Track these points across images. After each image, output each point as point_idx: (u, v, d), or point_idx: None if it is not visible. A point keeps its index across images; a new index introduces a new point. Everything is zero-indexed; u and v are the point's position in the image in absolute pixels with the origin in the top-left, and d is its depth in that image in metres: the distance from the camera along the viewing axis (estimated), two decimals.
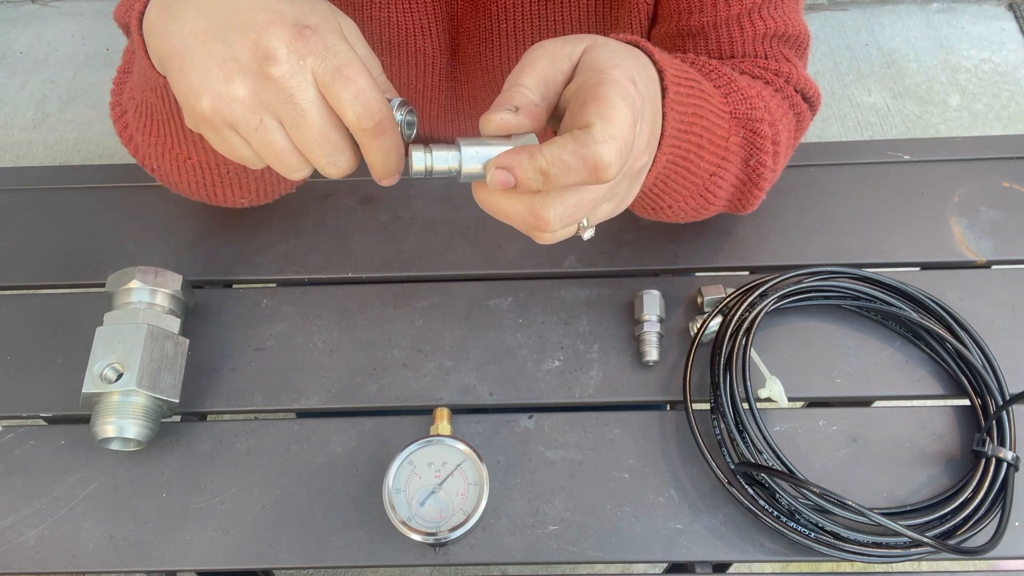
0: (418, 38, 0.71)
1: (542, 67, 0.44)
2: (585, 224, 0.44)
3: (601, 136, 0.38)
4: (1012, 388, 0.62)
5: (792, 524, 0.57)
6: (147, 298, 0.63)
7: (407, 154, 0.44)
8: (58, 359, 0.67)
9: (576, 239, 0.72)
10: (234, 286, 0.72)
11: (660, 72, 0.48)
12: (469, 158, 0.42)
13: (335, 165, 0.45)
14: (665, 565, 0.65)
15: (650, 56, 0.48)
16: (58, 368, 0.67)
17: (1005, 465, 0.58)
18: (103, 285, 0.65)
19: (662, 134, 0.48)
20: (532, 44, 0.73)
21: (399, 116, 0.45)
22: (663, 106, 0.47)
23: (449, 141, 0.43)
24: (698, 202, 0.59)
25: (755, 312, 0.64)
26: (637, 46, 0.48)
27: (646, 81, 0.44)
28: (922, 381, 0.65)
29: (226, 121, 0.44)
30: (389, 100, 0.45)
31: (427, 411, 0.63)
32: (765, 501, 0.58)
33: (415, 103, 0.78)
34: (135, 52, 0.51)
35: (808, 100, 0.65)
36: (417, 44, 0.71)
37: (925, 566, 0.60)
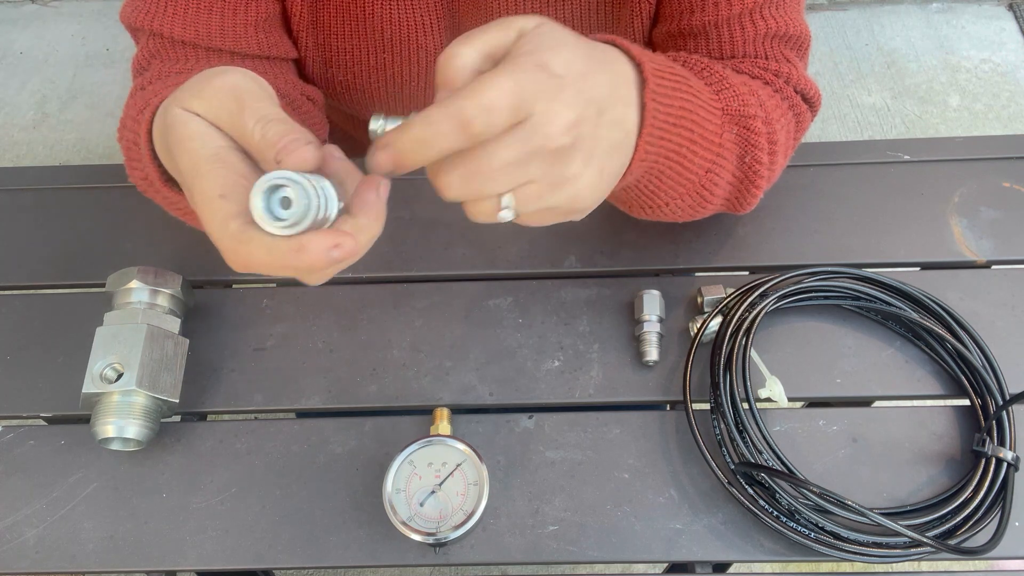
0: (419, 35, 0.71)
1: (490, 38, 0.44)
2: (506, 203, 0.43)
3: (466, 93, 0.38)
4: (1012, 388, 0.62)
5: (792, 524, 0.57)
6: (147, 298, 0.63)
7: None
8: (58, 359, 0.67)
9: (575, 238, 0.72)
10: (234, 286, 0.72)
11: (638, 65, 0.47)
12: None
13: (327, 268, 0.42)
14: (665, 565, 0.65)
15: (627, 52, 0.48)
16: (58, 368, 0.67)
17: (1005, 465, 0.58)
18: (103, 285, 0.65)
19: (643, 125, 0.47)
20: None
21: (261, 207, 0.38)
22: (644, 98, 0.47)
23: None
24: (695, 200, 0.58)
25: (755, 312, 0.64)
26: (615, 44, 0.48)
27: (586, 69, 0.43)
28: (922, 381, 0.65)
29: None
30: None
31: (427, 411, 0.63)
32: (765, 501, 0.58)
33: (415, 100, 0.78)
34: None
35: (808, 101, 0.65)
36: (418, 41, 0.71)
37: (925, 566, 0.60)
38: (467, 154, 0.40)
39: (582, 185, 0.44)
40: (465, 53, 0.42)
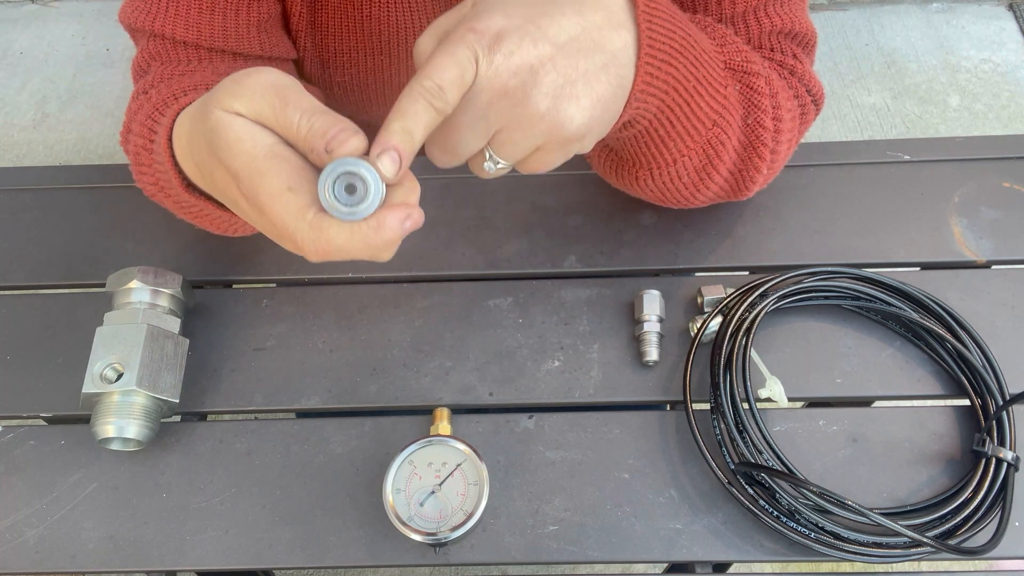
0: (416, 37, 0.71)
1: (443, 23, 0.46)
2: (487, 156, 0.46)
3: (418, 78, 0.41)
4: (1012, 388, 0.62)
5: (792, 524, 0.57)
6: (147, 298, 0.63)
7: None
8: (58, 359, 0.67)
9: (575, 238, 0.72)
10: (234, 286, 0.72)
11: None
12: None
13: (373, 258, 0.44)
14: (665, 565, 0.65)
15: None
16: (58, 368, 0.67)
17: (1005, 465, 0.58)
18: (103, 285, 0.65)
19: (640, 47, 0.47)
20: None
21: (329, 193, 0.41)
22: (636, 20, 0.47)
23: None
24: (701, 160, 0.57)
25: (755, 312, 0.64)
26: None
27: (534, 13, 0.44)
28: (922, 381, 0.65)
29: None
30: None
31: (427, 411, 0.63)
32: (765, 501, 0.58)
33: None
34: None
35: (814, 98, 0.64)
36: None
37: (925, 566, 0.60)
38: (439, 126, 0.43)
39: (560, 115, 0.45)
40: (423, 41, 0.46)
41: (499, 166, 0.47)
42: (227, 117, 0.42)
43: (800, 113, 0.63)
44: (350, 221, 0.41)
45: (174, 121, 0.51)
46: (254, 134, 0.42)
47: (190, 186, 0.52)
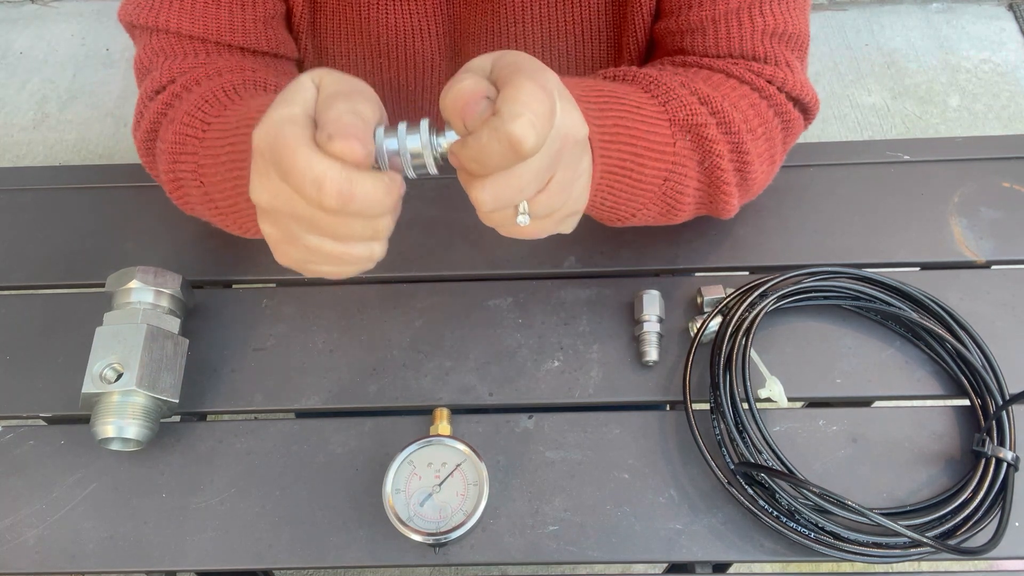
0: (416, 40, 0.71)
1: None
2: (523, 210, 0.45)
3: (509, 114, 0.39)
4: (1012, 388, 0.62)
5: (792, 524, 0.57)
6: (147, 298, 0.63)
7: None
8: (58, 359, 0.67)
9: (575, 238, 0.72)
10: (234, 286, 0.72)
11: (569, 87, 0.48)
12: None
13: (374, 236, 0.45)
14: (665, 565, 0.65)
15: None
16: (58, 368, 0.67)
17: (1005, 465, 0.58)
18: (103, 285, 0.65)
19: (592, 144, 0.50)
20: (538, 47, 0.73)
21: (390, 144, 0.42)
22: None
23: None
24: (663, 207, 0.59)
25: (755, 312, 0.64)
26: None
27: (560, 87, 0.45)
28: (922, 381, 0.65)
29: (292, 266, 0.48)
30: (379, 129, 0.43)
31: (427, 411, 0.63)
32: (765, 501, 0.58)
33: (413, 107, 0.78)
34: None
35: (803, 106, 0.64)
36: (415, 47, 0.71)
37: (925, 566, 0.60)
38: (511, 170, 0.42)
39: (577, 186, 0.47)
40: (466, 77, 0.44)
41: (523, 223, 0.45)
42: (309, 79, 0.43)
43: (782, 129, 0.63)
44: (384, 173, 0.42)
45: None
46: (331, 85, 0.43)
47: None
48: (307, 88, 0.43)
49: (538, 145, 0.40)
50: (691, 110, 0.57)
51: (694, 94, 0.58)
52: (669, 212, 0.60)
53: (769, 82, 0.62)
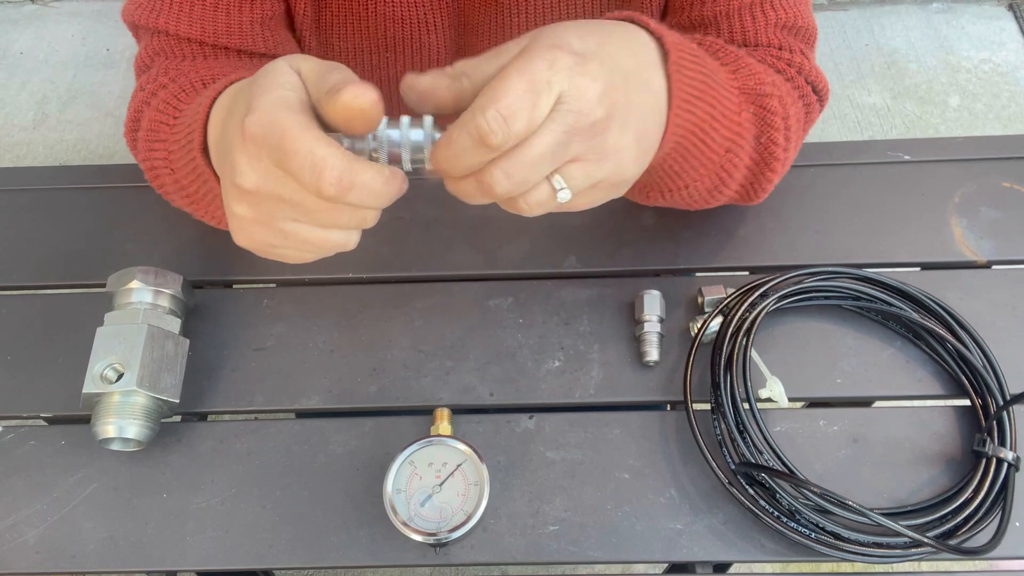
0: (423, 33, 0.71)
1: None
2: (560, 185, 0.44)
3: (478, 106, 0.40)
4: (1012, 388, 0.62)
5: (792, 524, 0.57)
6: (147, 298, 0.63)
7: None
8: (58, 359, 0.67)
9: (575, 238, 0.72)
10: (234, 286, 0.72)
11: (659, 38, 0.48)
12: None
13: (359, 225, 0.45)
14: (665, 565, 0.65)
15: (645, 27, 0.48)
16: (58, 368, 0.67)
17: (1005, 465, 0.58)
18: (103, 285, 0.65)
19: (671, 95, 0.47)
20: None
21: (392, 135, 0.43)
22: (668, 68, 0.47)
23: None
24: (714, 182, 0.58)
25: (755, 312, 0.64)
26: (633, 21, 0.48)
27: (602, 40, 0.44)
28: (922, 381, 0.65)
29: (253, 248, 0.47)
30: (384, 120, 0.43)
31: (427, 411, 0.63)
32: (765, 501, 0.58)
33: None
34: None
35: (818, 92, 0.65)
36: (421, 40, 0.71)
37: (925, 566, 0.60)
38: (514, 150, 0.41)
39: (624, 154, 0.45)
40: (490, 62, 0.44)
41: (564, 199, 0.45)
42: (286, 64, 0.43)
43: (805, 113, 0.63)
44: (384, 165, 0.42)
45: (226, 87, 0.51)
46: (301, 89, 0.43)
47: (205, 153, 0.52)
48: (288, 73, 0.42)
49: (506, 140, 0.40)
50: (759, 79, 0.56)
51: (758, 64, 0.57)
52: (712, 191, 0.59)
53: (789, 65, 0.62)
